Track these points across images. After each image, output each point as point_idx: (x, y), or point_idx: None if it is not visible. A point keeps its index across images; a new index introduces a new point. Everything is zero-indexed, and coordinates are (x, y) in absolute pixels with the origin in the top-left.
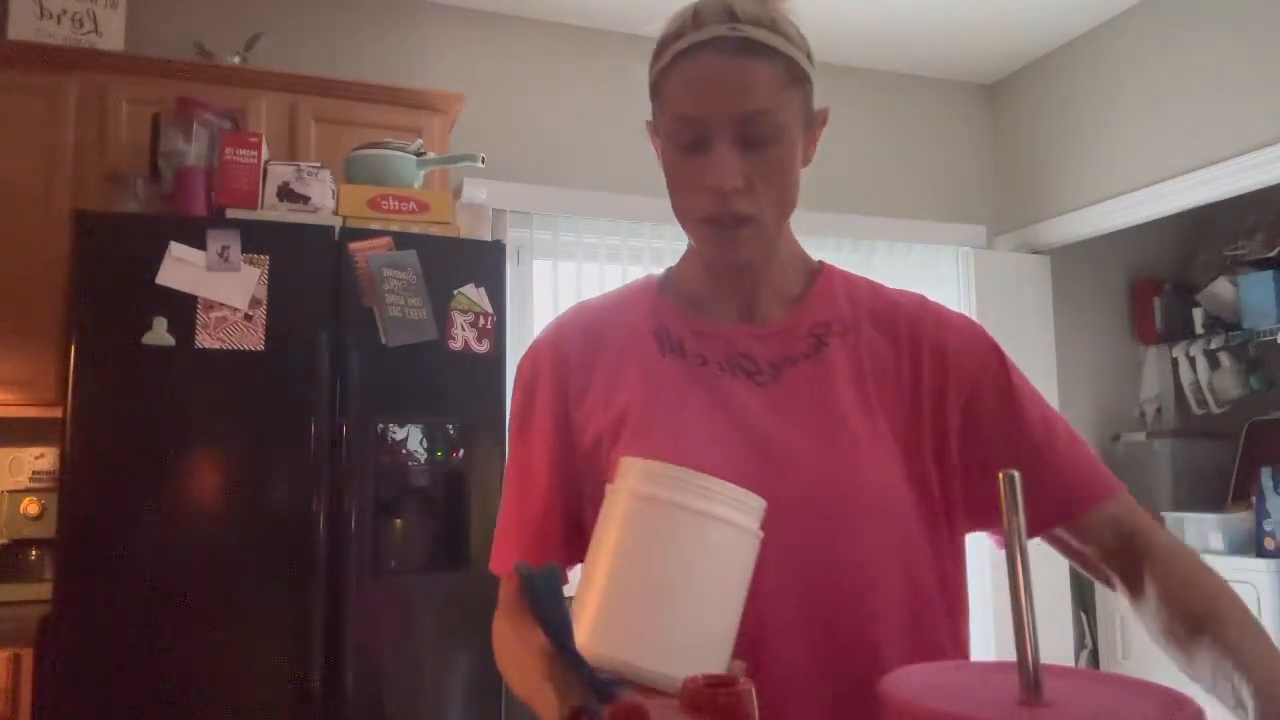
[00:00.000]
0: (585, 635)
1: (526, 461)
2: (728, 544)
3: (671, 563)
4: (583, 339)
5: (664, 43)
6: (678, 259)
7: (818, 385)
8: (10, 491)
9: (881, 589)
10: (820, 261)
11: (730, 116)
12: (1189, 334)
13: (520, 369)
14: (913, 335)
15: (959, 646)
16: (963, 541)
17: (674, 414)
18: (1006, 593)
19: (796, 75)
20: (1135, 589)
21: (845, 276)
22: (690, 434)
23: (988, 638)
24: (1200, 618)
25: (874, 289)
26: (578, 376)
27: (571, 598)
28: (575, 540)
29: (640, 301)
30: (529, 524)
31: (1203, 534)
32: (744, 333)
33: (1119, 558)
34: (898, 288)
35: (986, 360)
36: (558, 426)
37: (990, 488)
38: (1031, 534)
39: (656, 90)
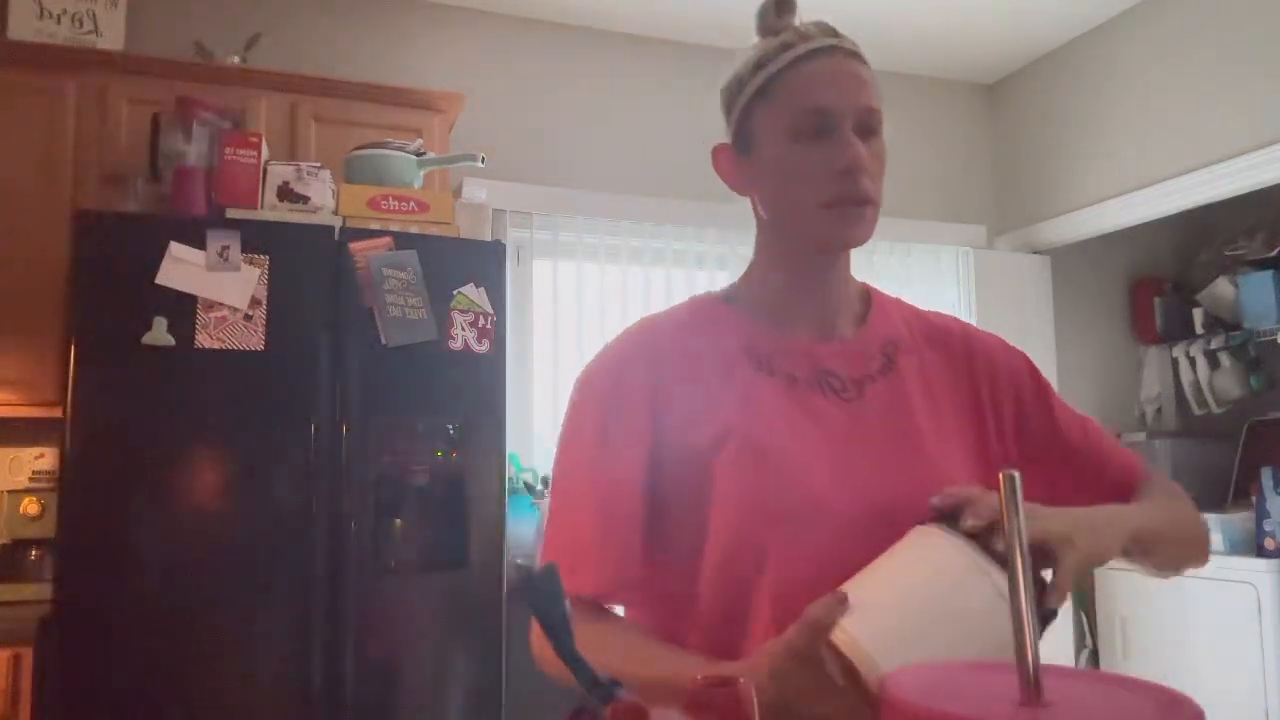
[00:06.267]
0: (859, 628)
1: (612, 477)
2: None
3: (955, 610)
4: (672, 356)
5: (767, 55)
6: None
7: (896, 401)
8: (10, 491)
9: None
10: (862, 282)
11: (856, 107)
12: (1189, 334)
13: (592, 383)
14: (965, 352)
15: None
16: None
17: (772, 432)
18: None
19: (880, 95)
20: None
21: (887, 297)
22: (787, 450)
23: None
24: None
25: (914, 309)
26: (670, 392)
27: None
28: (649, 556)
29: (716, 319)
30: (616, 540)
31: None
32: (824, 350)
33: None
34: (929, 309)
35: (1026, 372)
36: (646, 442)
37: (1037, 491)
38: None
39: (764, 94)
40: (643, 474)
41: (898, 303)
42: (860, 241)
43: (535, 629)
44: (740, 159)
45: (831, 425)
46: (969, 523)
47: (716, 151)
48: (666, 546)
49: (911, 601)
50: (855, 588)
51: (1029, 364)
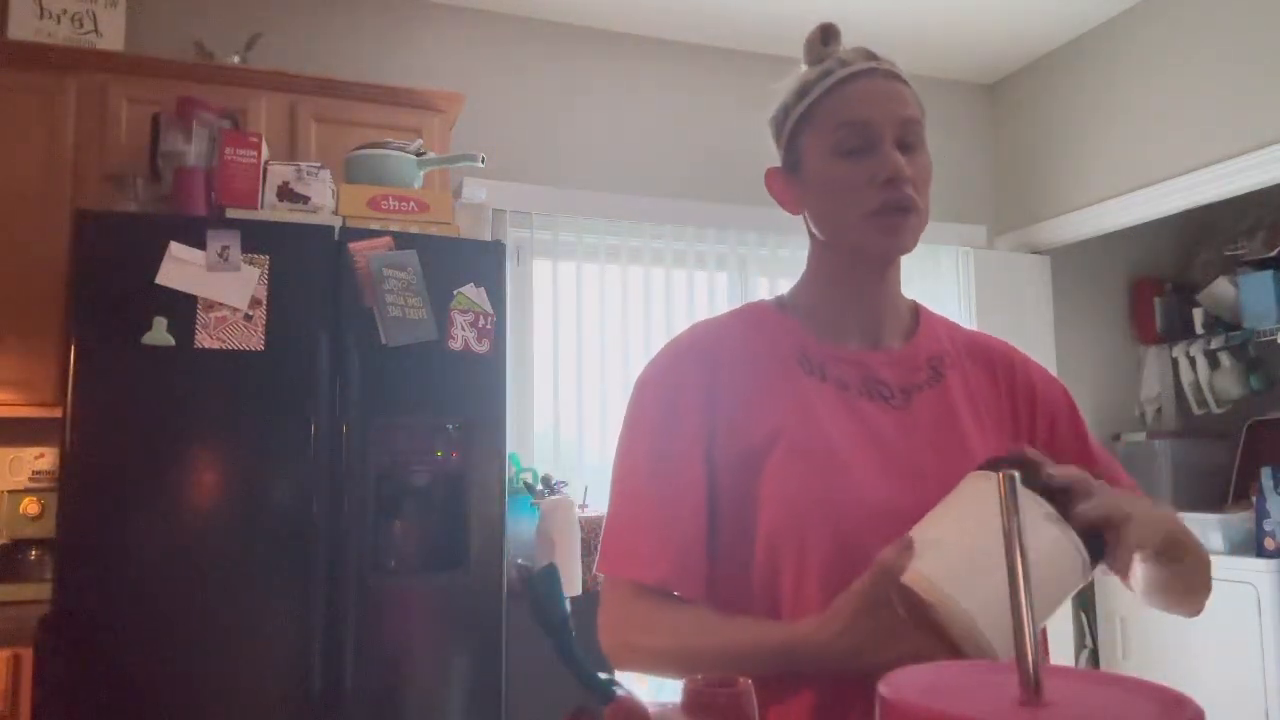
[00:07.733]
0: (929, 566)
1: (671, 473)
2: (1066, 558)
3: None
4: (727, 357)
5: (810, 82)
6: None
7: (943, 410)
8: (10, 491)
9: None
10: (911, 300)
11: (894, 121)
12: (1189, 334)
13: (650, 384)
14: (1007, 369)
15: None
16: None
17: (823, 433)
18: None
19: (921, 109)
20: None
21: (934, 314)
22: (838, 451)
23: None
24: None
25: (957, 327)
26: (725, 393)
27: (573, 597)
28: (710, 550)
29: (770, 324)
30: (677, 530)
31: (1203, 534)
32: (874, 359)
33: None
34: (970, 328)
35: (1062, 399)
36: (706, 436)
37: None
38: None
39: (808, 116)
40: (702, 469)
41: (944, 320)
42: (905, 250)
43: (603, 619)
44: (790, 180)
45: (880, 429)
46: (1046, 470)
47: (769, 175)
48: (722, 543)
49: (977, 536)
50: (919, 531)
51: (1067, 395)
